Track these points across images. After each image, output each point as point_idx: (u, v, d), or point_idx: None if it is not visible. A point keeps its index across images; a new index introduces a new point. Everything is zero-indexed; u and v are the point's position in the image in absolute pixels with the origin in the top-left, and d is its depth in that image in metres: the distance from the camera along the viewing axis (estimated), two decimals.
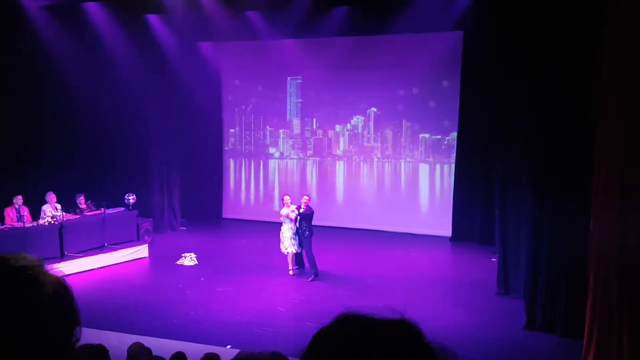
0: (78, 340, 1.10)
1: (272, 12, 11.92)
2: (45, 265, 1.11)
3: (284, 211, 9.93)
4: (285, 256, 10.06)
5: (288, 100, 14.40)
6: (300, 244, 9.90)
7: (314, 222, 10.08)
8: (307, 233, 9.82)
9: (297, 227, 9.83)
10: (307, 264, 10.08)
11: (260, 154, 14.94)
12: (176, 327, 7.64)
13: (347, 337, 0.92)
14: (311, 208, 9.98)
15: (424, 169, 13.49)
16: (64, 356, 1.07)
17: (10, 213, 10.49)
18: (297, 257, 10.12)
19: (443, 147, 13.21)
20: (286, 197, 10.03)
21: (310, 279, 9.72)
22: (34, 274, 1.08)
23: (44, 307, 1.04)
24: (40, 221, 10.31)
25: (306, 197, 10.08)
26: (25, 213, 10.63)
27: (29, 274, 1.07)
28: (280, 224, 10.13)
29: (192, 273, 10.30)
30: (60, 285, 1.10)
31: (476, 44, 11.59)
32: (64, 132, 12.39)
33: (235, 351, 4.71)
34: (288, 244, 9.87)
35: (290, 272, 10.01)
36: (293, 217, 9.77)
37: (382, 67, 13.18)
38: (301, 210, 9.82)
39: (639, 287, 5.42)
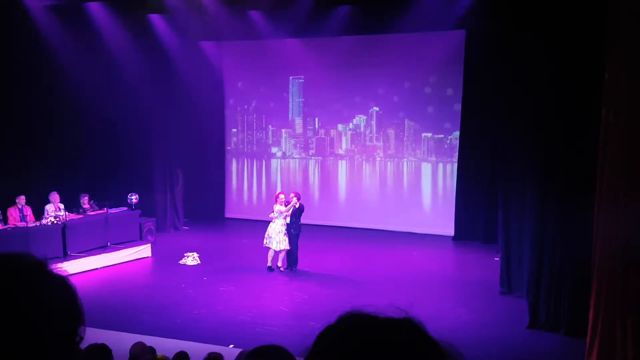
0: (82, 339, 1.10)
1: (274, 11, 11.92)
2: (50, 265, 1.11)
3: (282, 209, 9.98)
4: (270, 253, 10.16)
5: (290, 100, 14.40)
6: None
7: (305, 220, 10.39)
8: (293, 230, 10.00)
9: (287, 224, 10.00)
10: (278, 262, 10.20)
11: (262, 154, 14.94)
12: (179, 327, 7.64)
13: (353, 336, 0.91)
14: (302, 205, 10.16)
15: (426, 168, 13.48)
16: (69, 356, 1.07)
17: (13, 213, 10.52)
18: (290, 256, 10.15)
19: (445, 146, 13.20)
20: (282, 195, 10.23)
21: (285, 268, 10.10)
22: (38, 274, 1.08)
23: (49, 306, 1.04)
24: (43, 221, 10.33)
25: (293, 195, 10.14)
26: (28, 213, 10.65)
27: (33, 273, 1.07)
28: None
29: (194, 272, 10.31)
30: (65, 284, 1.10)
31: (479, 43, 11.56)
32: (67, 132, 12.41)
33: (238, 350, 4.71)
34: (286, 241, 9.94)
35: (282, 269, 10.09)
36: (289, 211, 9.98)
37: (384, 66, 13.17)
38: (296, 206, 10.03)
39: None
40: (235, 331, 7.53)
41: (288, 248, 9.98)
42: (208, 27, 12.30)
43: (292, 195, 10.18)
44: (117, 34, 11.95)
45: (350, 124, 13.99)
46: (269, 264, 10.12)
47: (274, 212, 10.04)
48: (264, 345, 2.04)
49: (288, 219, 9.98)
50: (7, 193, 10.64)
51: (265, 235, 10.06)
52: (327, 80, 13.74)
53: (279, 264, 10.08)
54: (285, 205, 10.02)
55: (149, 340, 5.64)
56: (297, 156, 14.60)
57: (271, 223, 10.05)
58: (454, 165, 13.06)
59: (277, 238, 9.91)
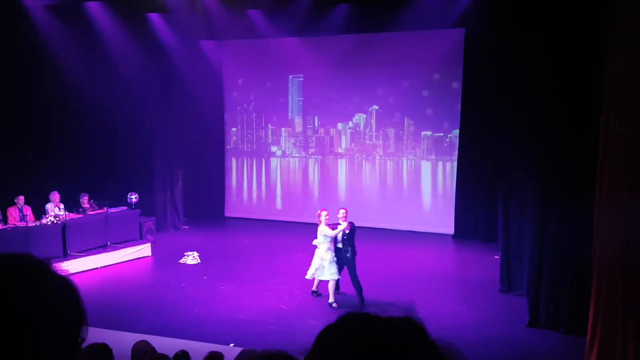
0: (84, 340, 1.10)
1: (273, 10, 11.93)
2: (52, 265, 1.11)
3: (328, 231, 8.30)
4: (310, 280, 8.74)
5: (290, 99, 14.40)
6: (340, 267, 8.44)
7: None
8: (349, 253, 8.38)
9: (336, 248, 8.39)
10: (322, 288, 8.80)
11: (262, 153, 14.94)
12: (179, 326, 7.65)
13: (353, 336, 0.92)
14: (352, 222, 8.46)
15: (426, 166, 13.48)
16: (70, 356, 1.07)
17: (13, 213, 10.52)
18: (355, 285, 8.42)
19: (445, 144, 13.20)
20: (324, 213, 8.40)
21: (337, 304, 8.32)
22: (39, 274, 1.08)
23: (50, 307, 1.04)
24: (43, 220, 10.33)
25: (343, 211, 8.52)
26: (28, 213, 10.65)
27: (35, 274, 1.07)
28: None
29: (194, 272, 10.31)
30: (67, 285, 1.10)
31: (478, 41, 11.58)
32: (67, 132, 12.42)
33: (239, 349, 4.72)
34: (333, 269, 8.30)
35: (334, 305, 8.24)
36: (336, 235, 8.33)
37: (384, 65, 13.17)
38: (347, 231, 8.37)
39: None
40: (236, 330, 7.53)
41: (338, 277, 8.39)
42: (208, 26, 12.30)
43: (342, 212, 8.49)
44: (117, 34, 11.96)
45: (350, 123, 13.99)
46: (315, 288, 8.76)
47: (319, 237, 8.37)
48: (269, 350, 2.03)
49: (340, 244, 8.37)
50: (7, 193, 10.65)
51: (313, 265, 8.47)
52: (327, 79, 13.74)
53: (331, 300, 8.33)
54: (331, 226, 8.37)
55: (149, 339, 5.62)
56: (297, 155, 14.60)
57: (317, 250, 8.42)
58: (453, 164, 13.07)
59: (330, 268, 8.29)
